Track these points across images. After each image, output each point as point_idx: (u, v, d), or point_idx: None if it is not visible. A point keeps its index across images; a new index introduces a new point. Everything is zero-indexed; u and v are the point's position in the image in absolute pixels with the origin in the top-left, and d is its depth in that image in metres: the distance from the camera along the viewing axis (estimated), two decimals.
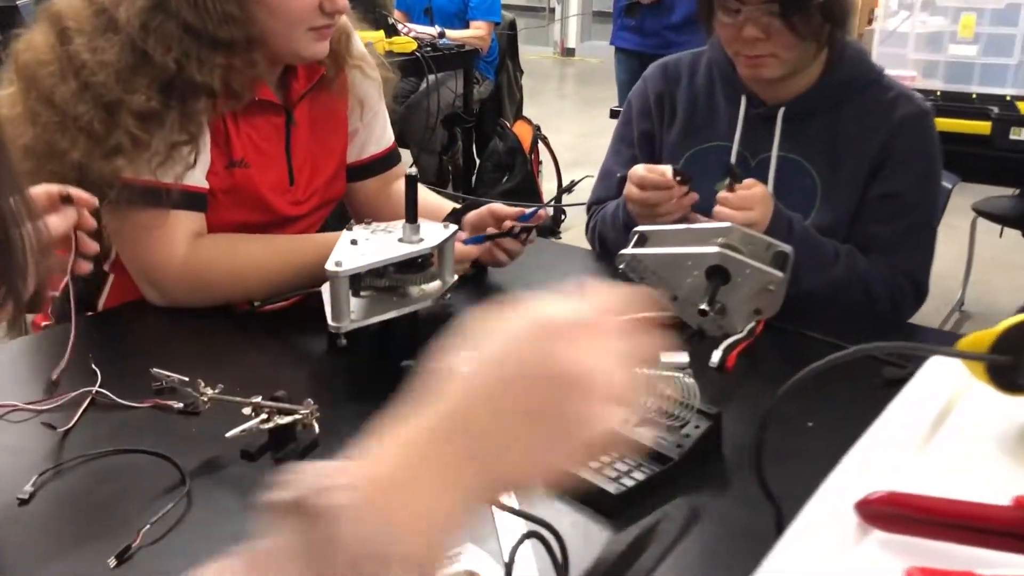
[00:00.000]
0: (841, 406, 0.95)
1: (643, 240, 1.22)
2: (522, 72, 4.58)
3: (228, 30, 1.15)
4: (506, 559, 0.70)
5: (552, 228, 3.87)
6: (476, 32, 4.06)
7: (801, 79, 1.38)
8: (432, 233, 1.10)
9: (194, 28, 1.14)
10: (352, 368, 1.08)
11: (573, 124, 5.91)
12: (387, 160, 1.46)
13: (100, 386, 0.97)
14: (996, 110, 2.30)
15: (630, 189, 1.30)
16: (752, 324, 1.17)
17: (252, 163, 1.27)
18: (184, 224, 1.19)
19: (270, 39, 1.20)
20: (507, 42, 4.47)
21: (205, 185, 1.22)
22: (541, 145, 4.02)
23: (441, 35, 3.84)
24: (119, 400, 0.94)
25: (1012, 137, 2.26)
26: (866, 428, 0.96)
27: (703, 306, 1.10)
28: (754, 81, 1.39)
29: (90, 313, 1.31)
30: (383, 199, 1.45)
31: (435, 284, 1.12)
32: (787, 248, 1.17)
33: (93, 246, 1.05)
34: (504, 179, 3.90)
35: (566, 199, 1.39)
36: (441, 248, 1.12)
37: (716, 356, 1.10)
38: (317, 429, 0.85)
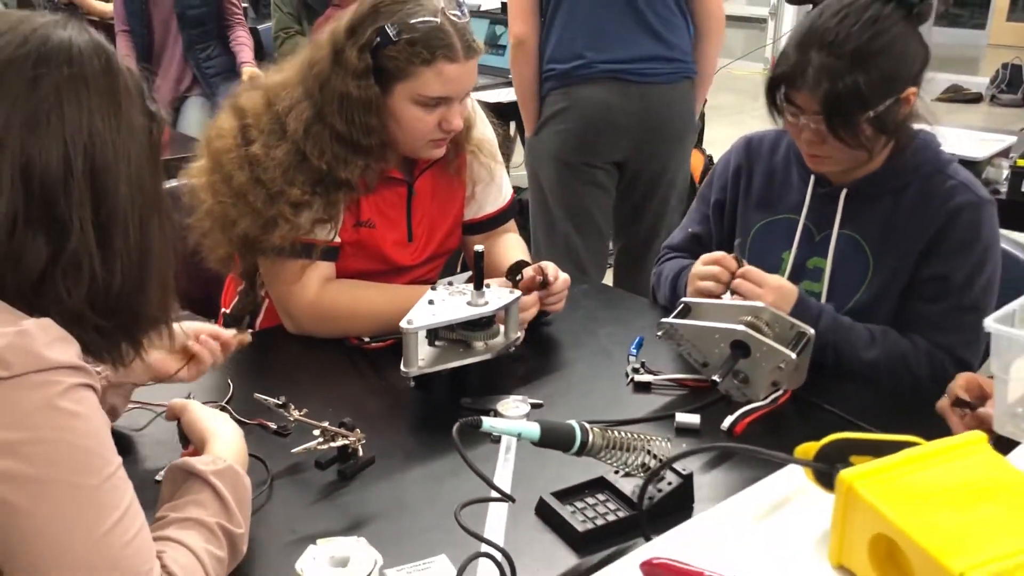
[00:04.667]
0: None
1: (687, 310, 1.40)
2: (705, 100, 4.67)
3: (368, 138, 1.45)
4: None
5: None
6: None
7: (866, 164, 1.49)
8: (496, 297, 1.34)
9: (343, 136, 1.44)
10: (426, 403, 1.34)
11: None
12: (495, 221, 1.72)
13: (228, 401, 1.28)
14: None
15: (697, 267, 1.48)
16: (777, 394, 1.32)
17: (377, 224, 1.56)
18: (317, 272, 1.50)
19: (399, 144, 1.49)
20: None
21: (337, 240, 1.53)
22: None
23: None
24: (235, 414, 1.24)
25: None
26: None
27: (715, 377, 1.27)
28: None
29: (249, 331, 1.66)
30: (487, 252, 1.70)
31: (499, 339, 1.36)
32: (808, 330, 1.32)
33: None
34: None
35: None
36: (506, 309, 1.36)
37: (727, 421, 1.26)
38: (361, 452, 1.12)
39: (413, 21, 1.41)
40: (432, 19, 1.42)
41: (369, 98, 1.43)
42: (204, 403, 1.15)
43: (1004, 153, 2.58)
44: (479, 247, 1.33)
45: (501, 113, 3.79)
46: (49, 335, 0.80)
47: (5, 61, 0.84)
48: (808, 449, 0.78)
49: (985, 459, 0.71)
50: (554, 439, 1.02)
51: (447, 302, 1.33)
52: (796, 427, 1.31)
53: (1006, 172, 2.43)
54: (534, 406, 1.30)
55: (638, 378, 1.39)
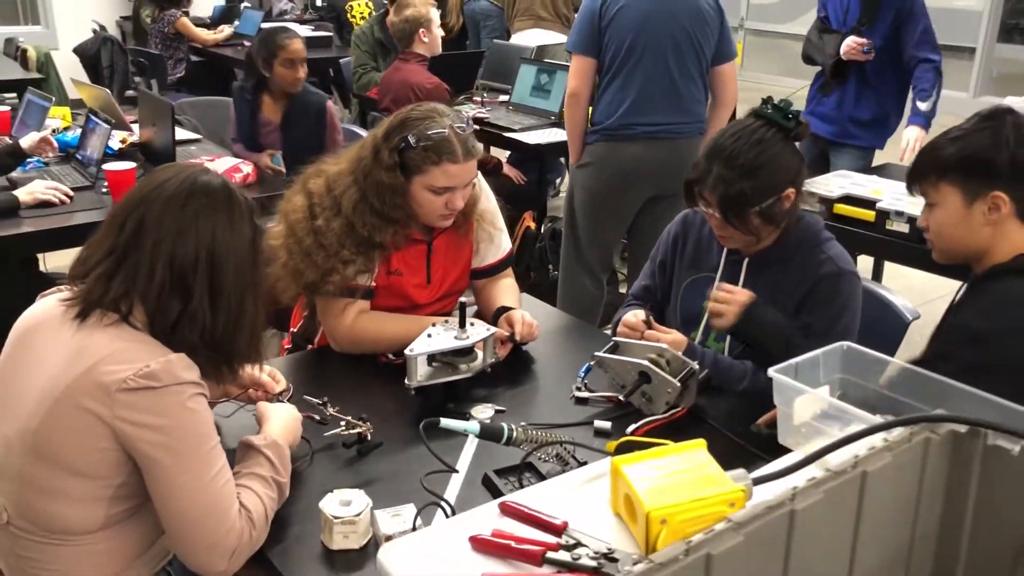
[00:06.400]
0: None
1: (615, 347, 1.93)
2: None
3: (396, 212, 2.02)
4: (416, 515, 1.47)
5: None
6: None
7: (762, 242, 1.99)
8: (475, 333, 1.89)
9: (379, 211, 2.01)
10: (424, 405, 1.89)
11: None
12: (493, 270, 2.28)
13: (289, 398, 1.86)
14: None
15: (620, 327, 2.00)
16: (675, 410, 1.84)
17: (404, 273, 2.14)
18: (355, 307, 2.08)
19: (419, 217, 2.06)
20: None
21: (373, 284, 2.10)
22: None
23: None
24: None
25: None
26: None
27: (620, 396, 1.81)
28: None
29: (309, 346, 2.25)
30: (486, 292, 2.26)
31: (477, 363, 1.91)
32: (695, 365, 1.83)
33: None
34: None
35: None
36: (483, 342, 1.91)
37: (631, 428, 1.79)
38: (370, 437, 1.69)
39: (429, 132, 1.97)
40: (442, 131, 1.97)
41: (396, 185, 2.00)
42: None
43: None
44: (463, 299, 1.89)
45: (539, 152, 4.35)
46: (183, 363, 1.39)
47: (169, 195, 1.44)
48: (613, 445, 1.31)
49: (697, 454, 1.23)
50: (489, 434, 1.57)
51: (441, 335, 1.90)
52: (682, 434, 1.82)
53: None
54: (498, 411, 1.86)
55: (578, 394, 1.93)
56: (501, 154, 4.80)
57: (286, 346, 2.31)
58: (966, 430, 1.20)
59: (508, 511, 1.24)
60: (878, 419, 1.37)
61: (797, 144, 1.96)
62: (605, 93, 3.22)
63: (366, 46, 5.43)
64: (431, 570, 1.15)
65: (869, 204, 3.03)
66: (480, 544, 1.18)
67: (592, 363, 1.91)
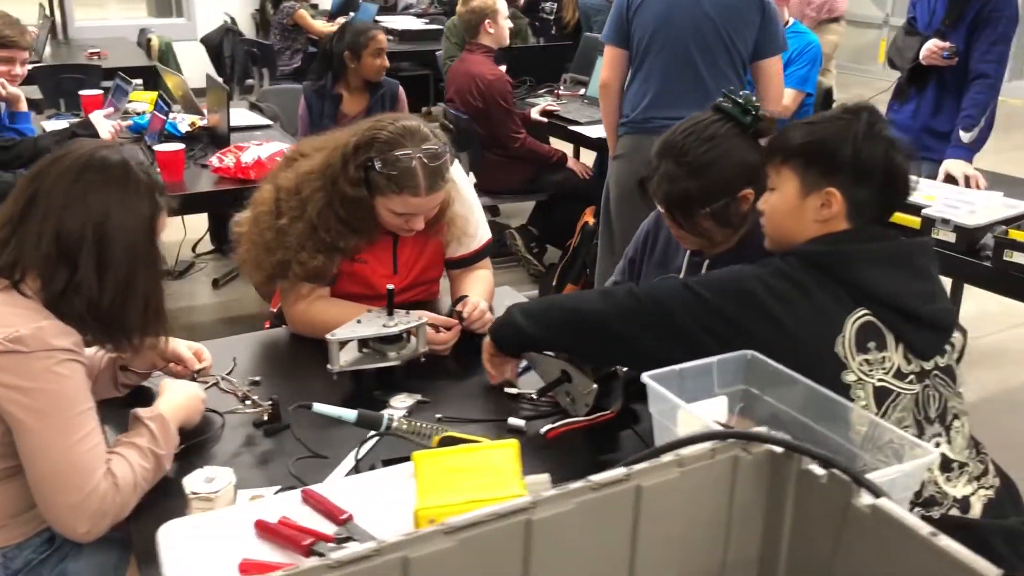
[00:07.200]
0: None
1: None
2: None
3: (361, 223, 2.02)
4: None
5: None
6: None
7: (722, 244, 1.87)
8: (403, 321, 1.87)
9: (344, 220, 2.01)
10: (354, 390, 1.88)
11: None
12: (465, 261, 2.24)
13: (229, 372, 1.89)
14: None
15: None
16: (601, 413, 1.75)
17: (369, 261, 2.13)
18: (313, 293, 2.09)
19: (383, 226, 2.05)
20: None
21: (334, 271, 2.10)
22: None
23: None
24: (220, 382, 1.85)
25: None
26: None
27: (532, 394, 1.74)
28: None
29: (283, 325, 2.28)
30: (457, 282, 2.23)
31: (407, 351, 1.89)
32: (620, 369, 1.74)
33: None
34: None
35: None
36: (417, 330, 1.88)
37: (544, 428, 1.71)
38: (267, 417, 1.69)
39: (394, 158, 1.94)
40: (408, 160, 1.93)
41: (360, 199, 1.99)
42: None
43: (1012, 220, 2.75)
44: (390, 286, 1.87)
45: (599, 146, 4.25)
46: (55, 330, 1.44)
47: (63, 168, 1.49)
48: (436, 439, 1.26)
49: (504, 454, 1.16)
50: (366, 422, 1.54)
51: (371, 322, 1.88)
52: (599, 438, 1.74)
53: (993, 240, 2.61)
54: (421, 401, 1.82)
55: (508, 390, 1.87)
56: (588, 156, 4.74)
57: (267, 325, 2.36)
58: (782, 451, 1.09)
59: (308, 499, 1.21)
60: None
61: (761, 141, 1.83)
62: (631, 85, 3.13)
63: (455, 37, 5.47)
64: (203, 551, 1.14)
65: (915, 210, 2.79)
66: (263, 529, 1.16)
67: (524, 363, 1.85)
